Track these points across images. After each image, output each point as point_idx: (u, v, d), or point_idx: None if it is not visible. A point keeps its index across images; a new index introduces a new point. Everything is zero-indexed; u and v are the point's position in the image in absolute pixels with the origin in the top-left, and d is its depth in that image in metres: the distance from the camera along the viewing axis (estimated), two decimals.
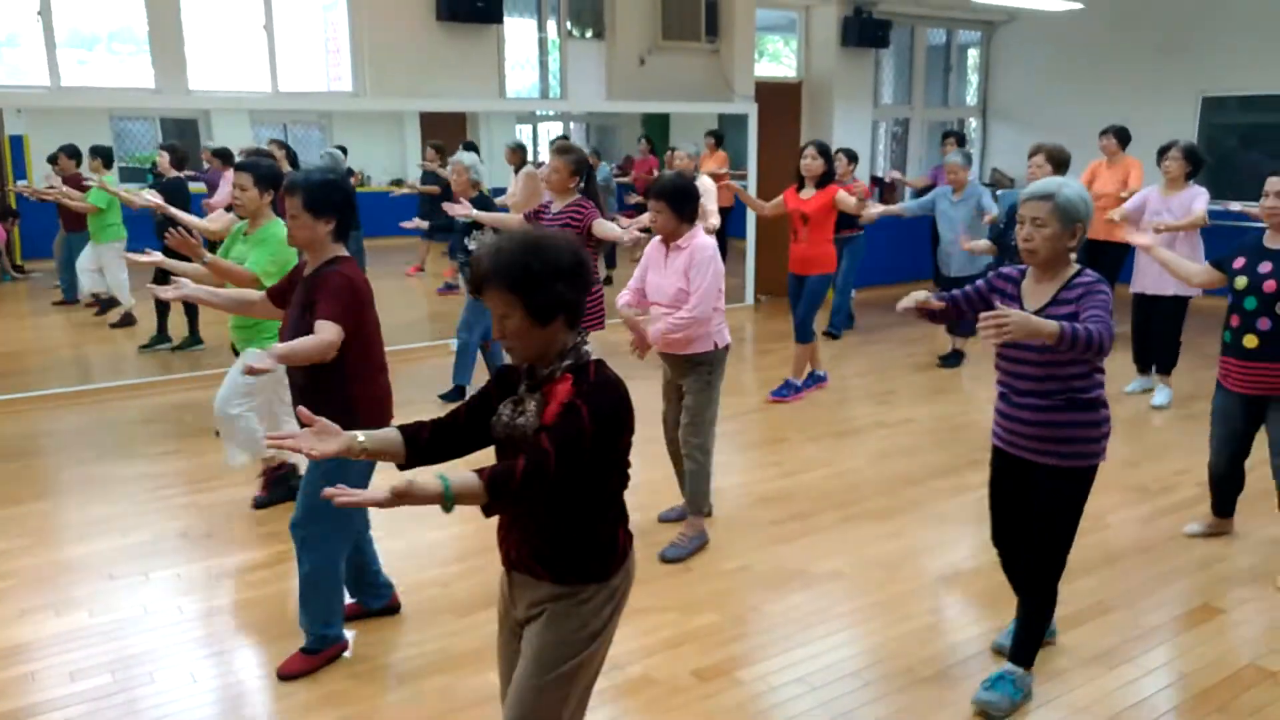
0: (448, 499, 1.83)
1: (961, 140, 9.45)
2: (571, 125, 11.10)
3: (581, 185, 5.11)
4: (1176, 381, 6.32)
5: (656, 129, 10.38)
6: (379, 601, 3.60)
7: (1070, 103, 10.67)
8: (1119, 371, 6.29)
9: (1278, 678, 3.18)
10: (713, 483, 4.34)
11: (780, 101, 10.12)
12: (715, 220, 6.01)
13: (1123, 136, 7.33)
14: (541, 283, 1.92)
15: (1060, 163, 5.64)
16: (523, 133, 10.46)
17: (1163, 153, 6.09)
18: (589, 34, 9.16)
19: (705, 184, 6.04)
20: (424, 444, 2.08)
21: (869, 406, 6.39)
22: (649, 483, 4.49)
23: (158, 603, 3.71)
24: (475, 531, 4.30)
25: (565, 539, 2.05)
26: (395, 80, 7.74)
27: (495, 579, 3.76)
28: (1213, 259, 4.12)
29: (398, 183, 9.27)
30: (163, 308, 7.24)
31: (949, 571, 3.99)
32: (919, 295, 2.93)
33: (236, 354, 4.61)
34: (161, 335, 7.34)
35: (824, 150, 6.17)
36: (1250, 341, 3.78)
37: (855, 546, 4.18)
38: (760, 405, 6.35)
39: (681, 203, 3.89)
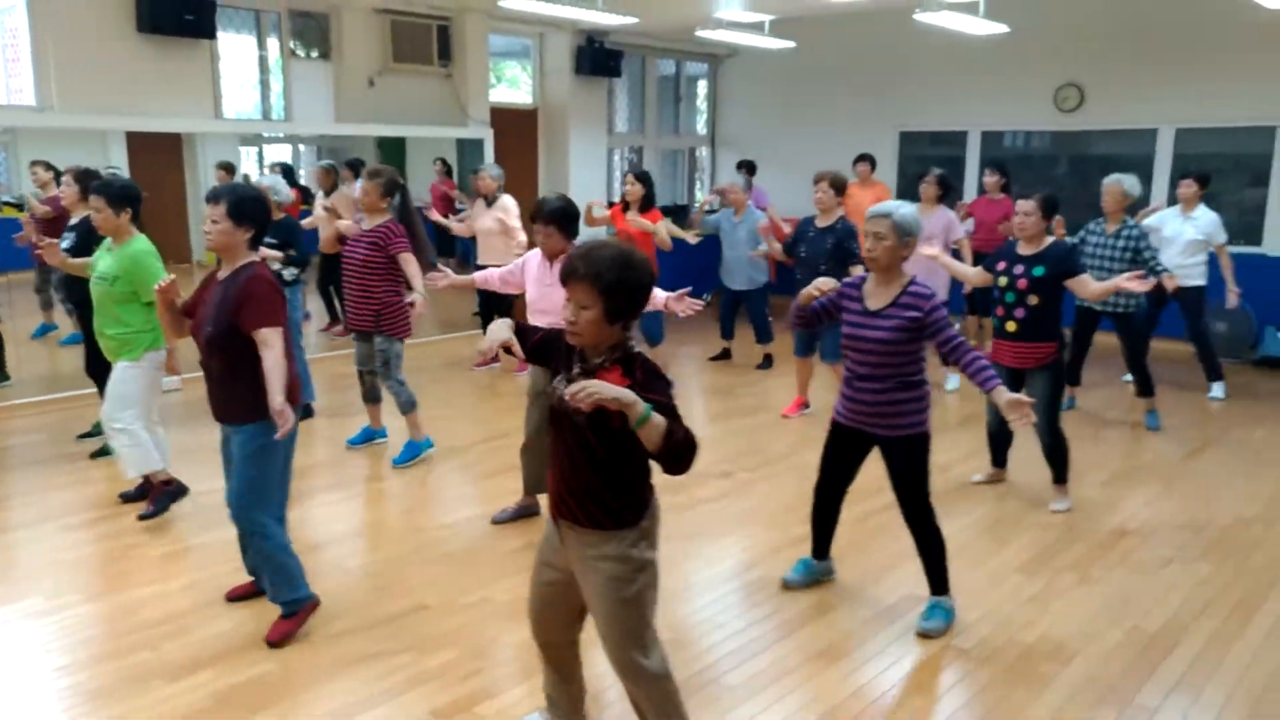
0: (642, 420, 2.22)
1: (753, 169, 10.46)
2: (301, 148, 10.57)
3: (396, 204, 5.41)
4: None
5: (392, 153, 10.11)
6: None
7: (788, 133, 11.48)
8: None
9: (969, 653, 3.51)
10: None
11: (517, 127, 10.16)
12: (523, 238, 6.92)
13: (873, 163, 9.01)
14: (625, 292, 2.35)
15: (841, 187, 6.24)
16: (248, 155, 9.84)
17: (919, 178, 7.39)
18: (314, 54, 8.77)
19: (509, 204, 7.32)
20: (530, 345, 2.70)
21: None
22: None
23: None
24: (182, 590, 3.96)
25: (612, 494, 2.47)
26: (89, 95, 7.02)
27: (208, 636, 3.49)
28: (984, 264, 5.08)
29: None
30: None
31: (685, 584, 4.10)
32: (825, 282, 3.64)
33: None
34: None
35: (641, 176, 6.89)
36: (1011, 326, 4.80)
37: None
38: (510, 430, 6.29)
39: (568, 223, 4.20)
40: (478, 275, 4.82)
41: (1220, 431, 6.38)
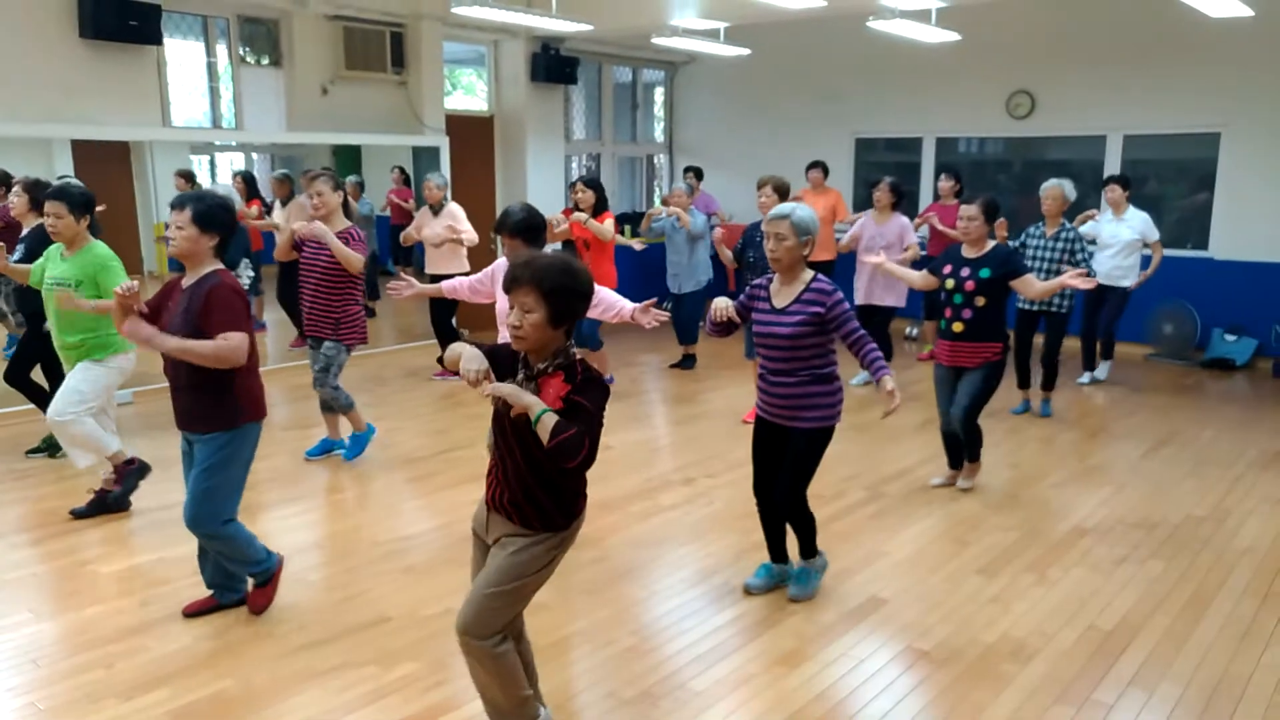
0: (535, 420, 2.41)
1: (700, 174, 10.64)
2: (255, 156, 10.43)
3: (344, 206, 5.45)
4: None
5: (347, 160, 10.02)
6: (234, 595, 3.79)
7: (745, 139, 11.56)
8: None
9: (930, 655, 3.55)
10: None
11: (473, 134, 10.11)
12: (474, 236, 7.36)
13: (825, 170, 9.05)
14: (567, 296, 2.49)
15: (785, 191, 6.38)
16: (200, 164, 9.68)
17: (871, 186, 7.67)
18: (265, 61, 8.65)
19: (456, 210, 7.45)
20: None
21: None
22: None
23: None
24: (136, 607, 3.88)
25: (541, 496, 2.61)
26: (30, 103, 6.86)
27: (162, 656, 3.42)
28: (928, 267, 5.20)
29: None
30: None
31: (649, 591, 4.09)
32: (722, 303, 3.80)
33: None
34: None
35: (590, 182, 7.19)
36: (958, 327, 4.96)
37: (557, 576, 4.15)
38: (470, 441, 6.24)
39: (534, 235, 4.18)
40: (445, 284, 4.77)
41: (1170, 433, 6.51)
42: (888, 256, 6.36)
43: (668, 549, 4.52)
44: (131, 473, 4.78)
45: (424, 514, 5.02)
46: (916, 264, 6.28)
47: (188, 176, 8.28)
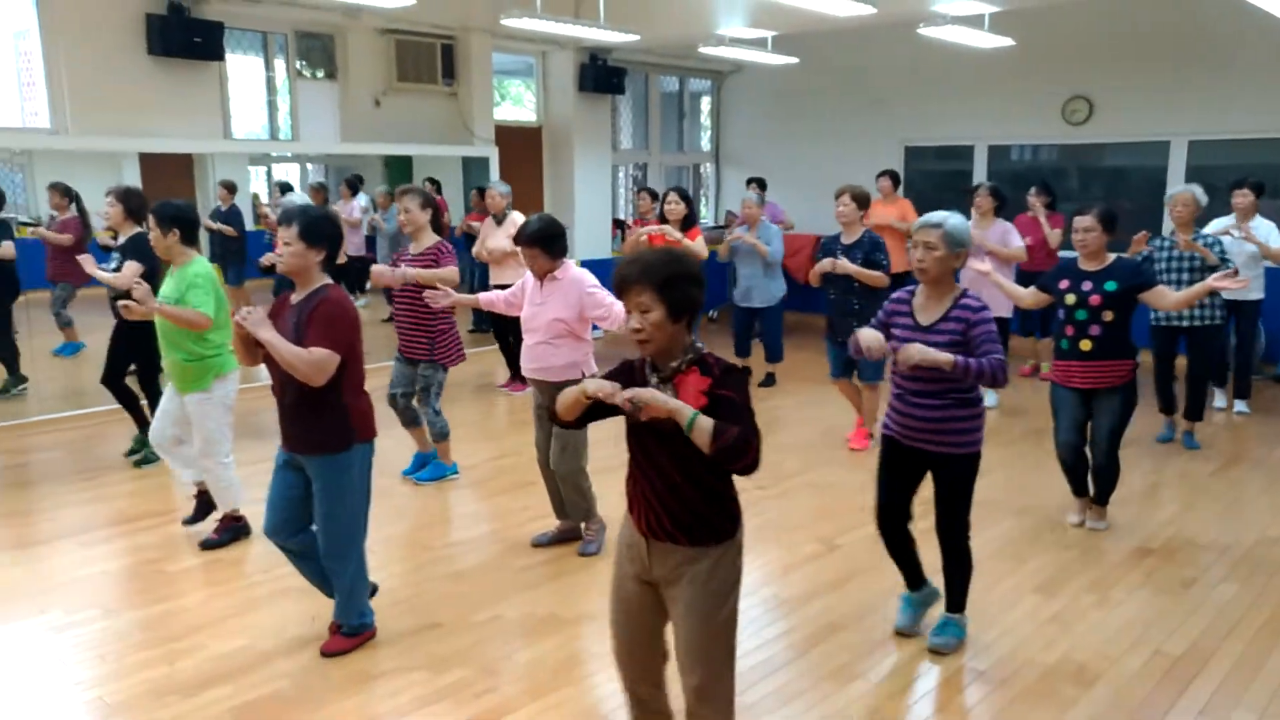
0: (689, 425, 2.26)
1: (764, 184, 10.36)
2: (309, 166, 10.64)
3: (430, 218, 5.35)
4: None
5: (398, 170, 10.16)
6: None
7: (793, 148, 11.51)
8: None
9: (986, 675, 3.48)
10: (591, 492, 4.53)
11: (522, 144, 10.21)
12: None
13: (895, 178, 8.82)
14: (681, 286, 2.36)
15: (864, 200, 6.07)
16: (257, 174, 9.90)
17: (971, 192, 7.36)
18: (320, 74, 8.82)
19: (520, 220, 6.89)
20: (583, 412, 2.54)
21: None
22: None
23: None
24: (197, 605, 3.97)
25: (706, 508, 2.43)
26: (102, 117, 7.07)
27: (222, 654, 3.49)
28: (1038, 283, 4.85)
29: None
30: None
31: None
32: (874, 339, 3.43)
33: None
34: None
35: (684, 195, 7.11)
36: (1086, 345, 4.60)
37: (605, 588, 4.16)
38: (521, 447, 6.28)
39: (551, 243, 4.25)
40: (482, 296, 4.83)
41: (1243, 449, 6.30)
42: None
43: None
44: (233, 529, 4.65)
45: (475, 520, 5.06)
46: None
47: (230, 187, 8.43)
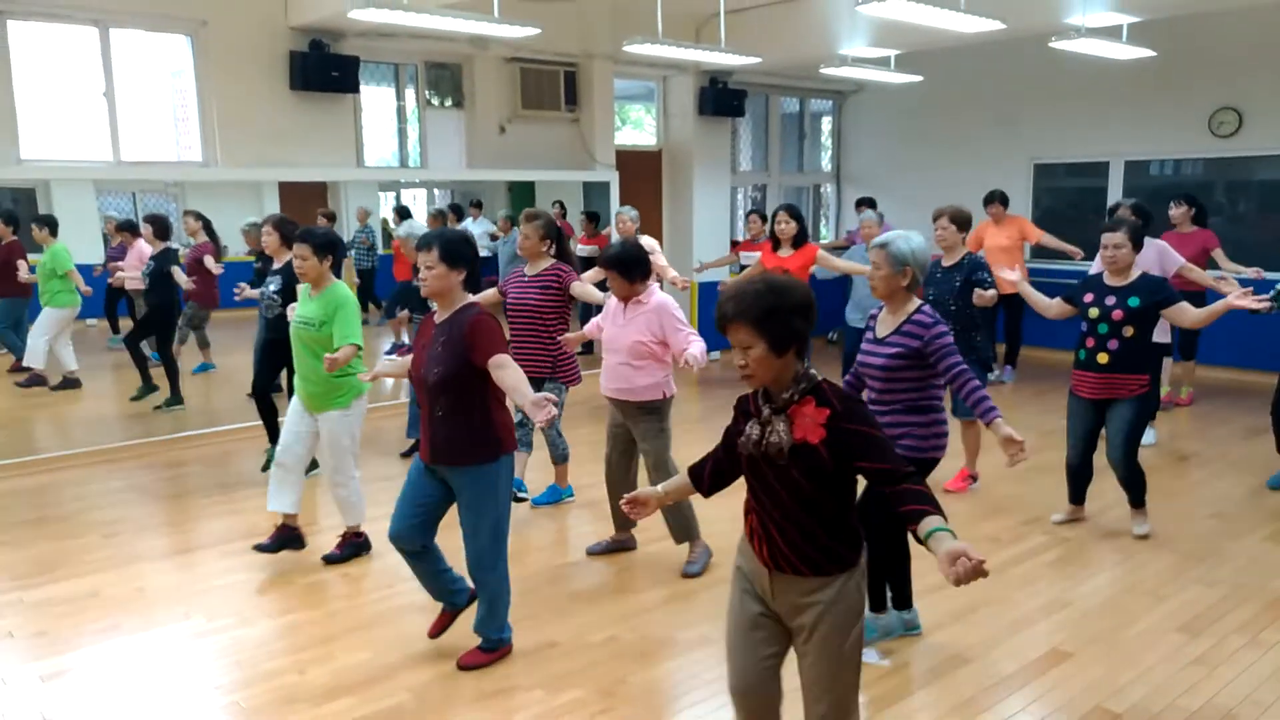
0: (948, 531, 2.21)
1: (873, 204, 10.10)
2: (436, 192, 11.03)
3: (553, 249, 5.31)
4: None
5: (521, 195, 10.42)
6: (461, 598, 3.83)
7: (916, 168, 11.27)
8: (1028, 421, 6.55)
9: (1122, 718, 3.29)
10: (691, 510, 4.58)
11: (642, 168, 10.32)
12: (674, 274, 6.74)
13: (1004, 200, 8.56)
14: (781, 318, 2.28)
15: (964, 222, 5.83)
16: (386, 199, 10.32)
17: (1110, 213, 6.69)
18: (448, 103, 9.15)
19: (650, 244, 6.75)
20: (706, 483, 2.67)
21: None
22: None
23: None
24: (326, 617, 4.12)
25: (828, 537, 2.37)
26: (247, 149, 7.52)
27: (348, 665, 3.60)
28: (1064, 295, 4.93)
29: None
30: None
31: None
32: None
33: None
34: (149, 386, 7.55)
35: (795, 213, 7.02)
36: (1103, 358, 4.71)
37: (721, 611, 4.13)
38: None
39: (628, 268, 4.35)
40: (588, 328, 4.88)
41: None
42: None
43: None
44: (354, 544, 4.79)
45: (589, 540, 5.10)
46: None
47: (330, 217, 8.69)
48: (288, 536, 4.75)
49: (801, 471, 2.30)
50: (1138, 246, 4.72)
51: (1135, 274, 4.72)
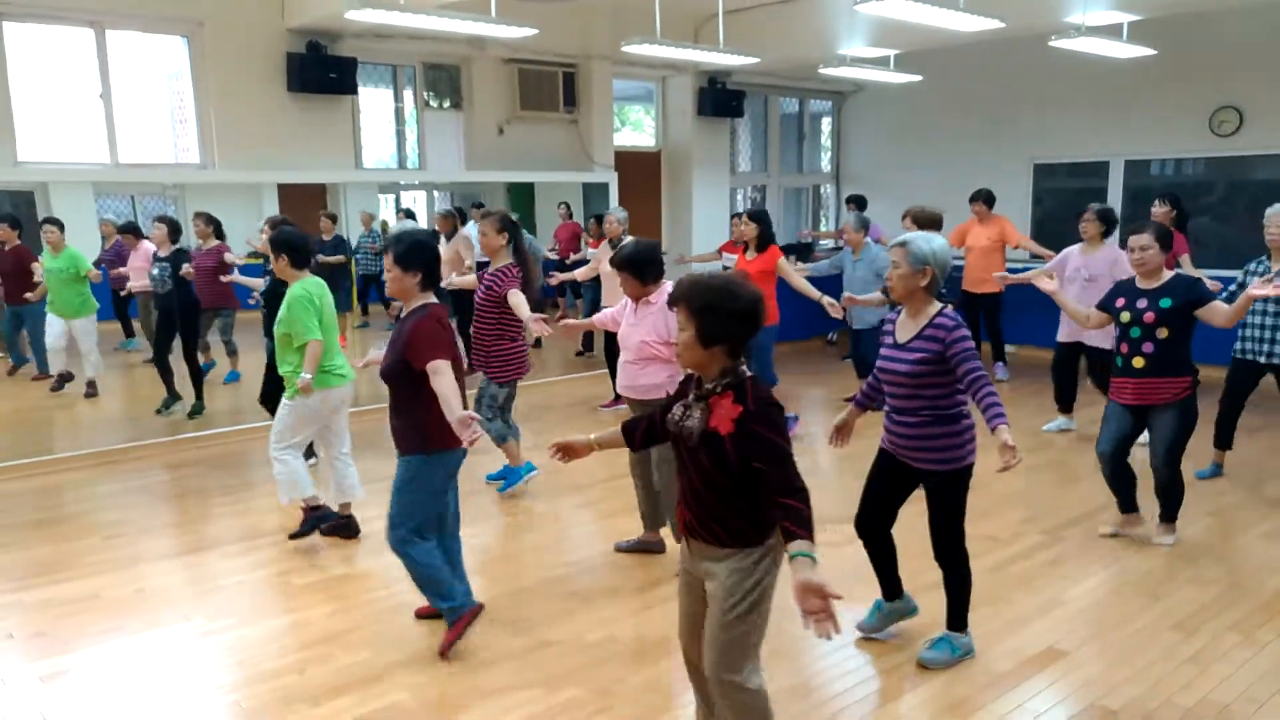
0: (811, 557, 2.35)
1: (862, 202, 10.08)
2: (435, 194, 11.04)
3: (511, 246, 5.39)
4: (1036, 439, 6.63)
5: (521, 196, 10.44)
6: (445, 603, 3.82)
7: (915, 168, 11.29)
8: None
9: (1119, 715, 3.30)
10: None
11: (641, 169, 10.34)
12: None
13: (989, 199, 8.45)
14: (716, 316, 2.47)
15: (929, 223, 5.90)
16: (386, 201, 10.34)
17: (1077, 217, 6.74)
18: (446, 105, 9.17)
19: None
20: (638, 441, 2.98)
21: None
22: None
23: None
24: (326, 617, 4.14)
25: (725, 512, 2.55)
26: (246, 151, 7.54)
27: (347, 665, 3.62)
28: (1099, 303, 4.83)
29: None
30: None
31: (809, 632, 4.00)
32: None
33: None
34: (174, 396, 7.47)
35: (756, 216, 6.88)
36: (1139, 362, 4.58)
37: None
38: None
39: (641, 269, 4.40)
40: (596, 317, 5.03)
41: None
42: (1097, 289, 5.82)
43: (849, 584, 4.41)
44: (312, 519, 4.94)
45: (588, 540, 5.12)
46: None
47: (332, 218, 8.71)
48: (316, 519, 4.94)
49: (708, 456, 2.51)
50: (1165, 247, 4.60)
51: (1167, 275, 4.60)
